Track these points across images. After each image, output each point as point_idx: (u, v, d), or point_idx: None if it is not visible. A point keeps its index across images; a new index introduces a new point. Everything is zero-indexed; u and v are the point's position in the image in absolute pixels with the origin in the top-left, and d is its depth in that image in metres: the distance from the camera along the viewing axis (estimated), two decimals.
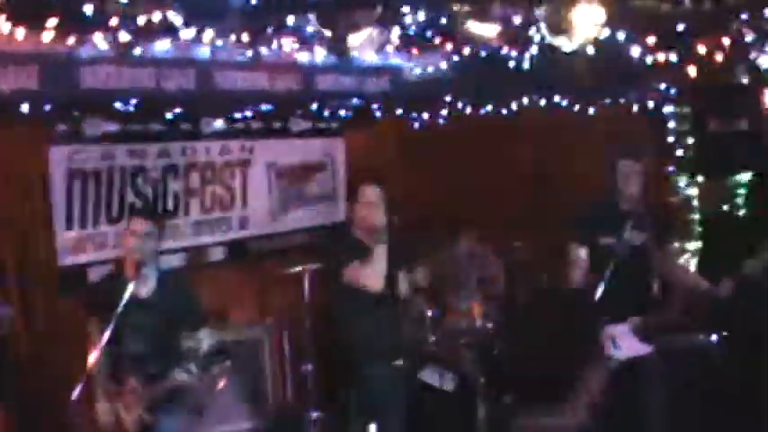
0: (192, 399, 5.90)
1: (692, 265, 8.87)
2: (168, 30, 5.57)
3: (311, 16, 4.91)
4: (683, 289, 6.24)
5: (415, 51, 7.28)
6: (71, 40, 5.44)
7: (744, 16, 6.06)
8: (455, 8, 5.21)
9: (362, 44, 5.01)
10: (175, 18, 5.30)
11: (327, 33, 4.95)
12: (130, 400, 5.39)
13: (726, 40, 6.16)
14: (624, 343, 6.00)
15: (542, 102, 8.59)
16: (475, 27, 5.31)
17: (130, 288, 5.24)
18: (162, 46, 5.86)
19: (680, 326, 6.39)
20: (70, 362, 5.94)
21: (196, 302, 5.71)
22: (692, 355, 7.25)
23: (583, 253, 6.27)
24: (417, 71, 7.60)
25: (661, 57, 6.33)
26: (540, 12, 5.08)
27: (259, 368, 7.72)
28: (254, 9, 5.37)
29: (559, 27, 5.12)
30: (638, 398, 6.07)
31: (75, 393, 4.96)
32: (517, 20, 5.37)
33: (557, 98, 8.53)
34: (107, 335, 5.12)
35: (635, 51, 6.07)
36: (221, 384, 6.84)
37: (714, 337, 7.37)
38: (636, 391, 6.06)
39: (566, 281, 6.22)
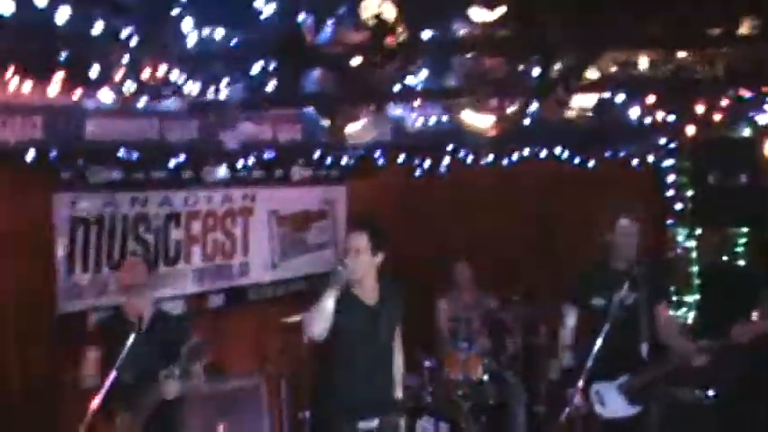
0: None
1: (690, 317, 8.93)
2: (172, 84, 5.64)
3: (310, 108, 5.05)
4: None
5: (417, 102, 7.36)
6: (77, 94, 5.53)
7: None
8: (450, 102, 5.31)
9: (358, 133, 5.14)
10: (179, 76, 5.36)
11: (326, 123, 5.07)
12: None
13: (724, 102, 6.23)
14: (610, 401, 6.05)
15: (543, 153, 8.67)
16: (470, 117, 5.40)
17: (131, 321, 5.68)
18: (165, 99, 5.96)
19: (667, 385, 6.40)
20: (67, 407, 6.02)
21: (187, 330, 5.96)
22: (685, 409, 7.30)
23: (573, 313, 6.34)
24: (420, 121, 7.69)
25: (660, 116, 6.41)
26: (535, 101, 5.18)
27: (257, 415, 7.72)
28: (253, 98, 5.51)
29: (554, 110, 5.22)
30: None
31: None
32: (511, 109, 5.44)
33: (557, 150, 8.62)
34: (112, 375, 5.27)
35: (634, 113, 6.17)
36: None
37: (710, 392, 7.40)
38: None
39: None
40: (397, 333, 5.76)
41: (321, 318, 5.20)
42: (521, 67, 4.97)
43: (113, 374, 5.34)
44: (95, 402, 5.30)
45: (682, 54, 5.24)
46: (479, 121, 5.48)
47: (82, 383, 5.76)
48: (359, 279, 5.43)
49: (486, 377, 7.79)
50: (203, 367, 5.73)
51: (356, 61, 4.87)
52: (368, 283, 5.50)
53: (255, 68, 5.07)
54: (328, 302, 5.20)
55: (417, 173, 9.42)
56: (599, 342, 5.72)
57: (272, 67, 5.07)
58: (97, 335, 6.05)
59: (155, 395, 5.55)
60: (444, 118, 7.34)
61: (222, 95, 5.50)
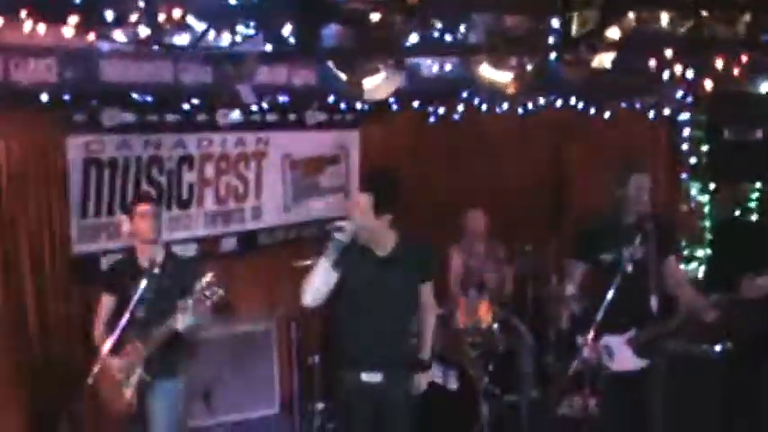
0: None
1: (701, 272, 8.93)
2: (187, 26, 5.60)
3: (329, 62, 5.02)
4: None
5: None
6: (91, 36, 5.49)
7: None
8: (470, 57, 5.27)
9: (376, 88, 5.11)
10: (195, 21, 5.32)
11: (343, 76, 5.04)
12: (131, 359, 5.68)
13: (744, 57, 6.16)
14: (619, 355, 6.06)
15: (558, 103, 8.62)
16: (488, 72, 5.35)
17: (143, 265, 5.81)
18: (180, 41, 5.90)
19: (675, 339, 6.40)
20: (82, 349, 6.08)
21: (197, 271, 5.90)
22: (694, 363, 7.32)
23: (580, 268, 6.32)
24: (435, 68, 7.63)
25: (678, 70, 6.35)
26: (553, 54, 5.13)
27: (266, 359, 7.79)
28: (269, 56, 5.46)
29: (576, 70, 5.18)
30: (640, 408, 6.13)
31: (90, 379, 5.30)
32: (530, 68, 5.39)
33: (573, 100, 8.56)
34: (125, 318, 5.47)
35: (652, 65, 6.12)
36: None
37: (717, 347, 7.41)
38: (637, 401, 6.12)
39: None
40: (427, 291, 5.70)
41: (314, 288, 5.22)
42: (542, 26, 4.93)
43: (125, 318, 5.44)
44: (107, 346, 5.44)
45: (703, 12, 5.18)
46: (498, 77, 5.45)
47: (96, 328, 5.91)
48: (364, 241, 5.38)
49: (495, 325, 7.83)
50: (214, 305, 5.75)
51: (376, 17, 4.82)
52: (379, 239, 5.44)
53: (274, 21, 5.03)
54: (321, 273, 5.19)
55: (431, 119, 9.39)
56: (609, 296, 5.74)
57: (290, 20, 5.03)
58: (110, 278, 6.10)
59: (167, 327, 5.63)
60: (460, 67, 7.29)
61: (239, 46, 5.47)
